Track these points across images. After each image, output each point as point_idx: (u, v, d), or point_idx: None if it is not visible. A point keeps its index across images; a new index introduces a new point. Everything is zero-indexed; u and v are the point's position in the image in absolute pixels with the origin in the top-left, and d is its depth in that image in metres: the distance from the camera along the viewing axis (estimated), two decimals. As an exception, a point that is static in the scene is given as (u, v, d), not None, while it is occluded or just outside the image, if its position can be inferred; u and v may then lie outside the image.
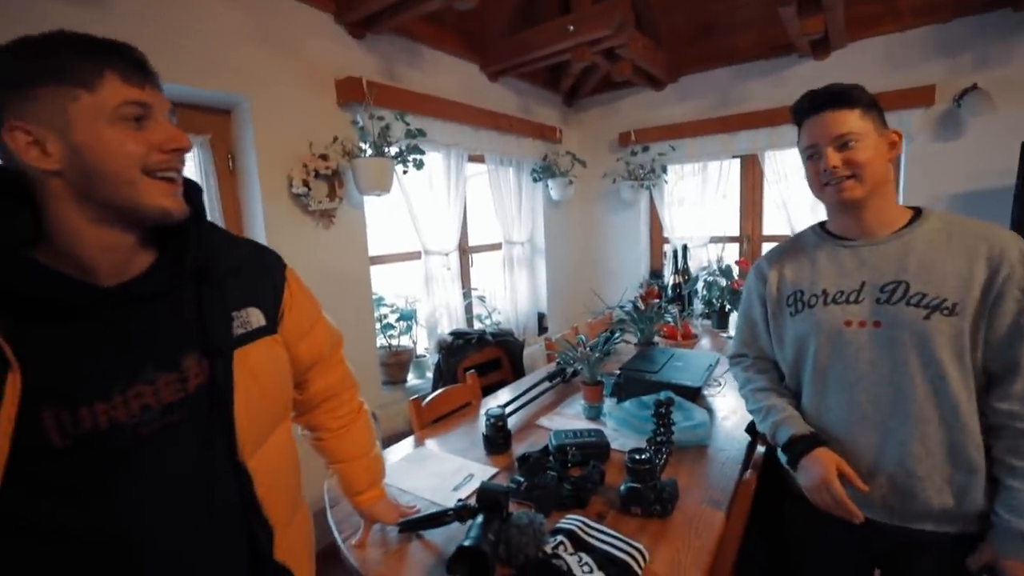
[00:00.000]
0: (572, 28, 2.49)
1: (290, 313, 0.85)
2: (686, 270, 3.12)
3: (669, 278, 3.23)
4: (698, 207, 3.36)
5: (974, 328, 0.91)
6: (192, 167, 1.88)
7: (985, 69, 2.42)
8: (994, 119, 2.39)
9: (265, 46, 1.92)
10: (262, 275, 0.82)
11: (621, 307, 2.36)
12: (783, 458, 1.09)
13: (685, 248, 3.19)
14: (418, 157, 2.25)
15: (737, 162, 3.31)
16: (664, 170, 3.40)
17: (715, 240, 3.40)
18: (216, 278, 0.72)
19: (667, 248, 3.55)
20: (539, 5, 2.98)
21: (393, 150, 2.20)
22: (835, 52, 2.73)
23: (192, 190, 0.71)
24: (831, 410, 1.05)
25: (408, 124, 2.25)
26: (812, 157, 1.03)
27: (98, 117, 0.58)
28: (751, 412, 1.22)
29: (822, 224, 1.14)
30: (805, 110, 1.03)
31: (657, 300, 2.50)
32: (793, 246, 1.17)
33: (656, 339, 2.34)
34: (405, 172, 2.28)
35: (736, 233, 3.42)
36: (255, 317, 0.76)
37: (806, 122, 1.03)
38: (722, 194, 3.31)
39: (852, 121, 0.97)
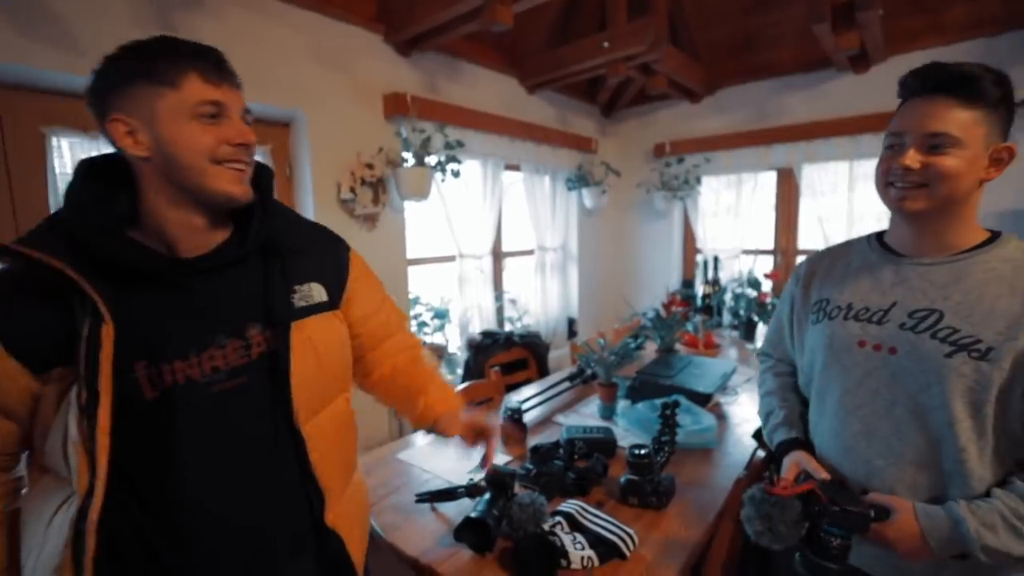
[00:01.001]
0: (607, 44, 2.59)
1: (357, 296, 0.92)
2: (716, 281, 3.15)
3: (699, 288, 3.27)
4: (731, 219, 3.38)
5: (1009, 382, 0.77)
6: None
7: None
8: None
9: (322, 65, 2.13)
10: (328, 255, 0.89)
11: (644, 314, 2.44)
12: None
13: (716, 259, 3.21)
14: (455, 167, 2.41)
15: (773, 175, 3.31)
16: (698, 181, 3.44)
17: (748, 252, 3.40)
18: (279, 252, 0.78)
19: (699, 258, 3.58)
20: (576, 21, 3.10)
21: (433, 160, 2.37)
22: (875, 66, 2.70)
23: (263, 174, 0.80)
24: (823, 433, 0.98)
25: (447, 136, 2.41)
26: (892, 147, 0.86)
27: (179, 113, 0.66)
28: (759, 416, 1.18)
29: (880, 233, 1.00)
30: (913, 87, 0.84)
31: (680, 309, 2.56)
32: (838, 251, 1.06)
33: (677, 346, 2.40)
34: (443, 180, 2.45)
35: (770, 246, 3.41)
36: (317, 292, 0.82)
37: (907, 103, 0.85)
38: (767, 204, 3.31)
39: (959, 122, 0.78)
